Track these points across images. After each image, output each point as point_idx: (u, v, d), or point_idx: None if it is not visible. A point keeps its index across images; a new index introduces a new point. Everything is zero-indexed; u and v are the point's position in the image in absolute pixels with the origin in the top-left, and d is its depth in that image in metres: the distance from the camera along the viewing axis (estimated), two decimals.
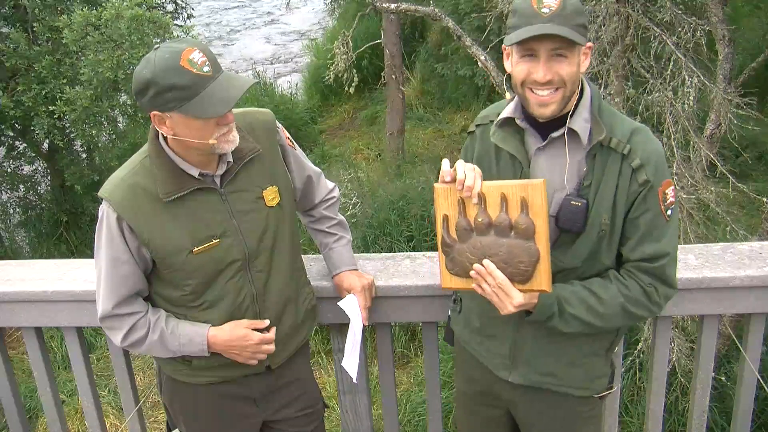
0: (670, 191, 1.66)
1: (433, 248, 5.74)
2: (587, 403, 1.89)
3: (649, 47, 4.14)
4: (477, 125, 1.81)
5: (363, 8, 7.87)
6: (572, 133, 1.63)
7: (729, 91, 4.12)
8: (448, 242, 1.65)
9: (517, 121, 1.67)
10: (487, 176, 1.74)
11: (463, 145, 1.88)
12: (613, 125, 1.64)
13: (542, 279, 1.59)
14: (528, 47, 1.55)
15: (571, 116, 1.62)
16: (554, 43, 1.52)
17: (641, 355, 3.97)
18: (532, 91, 1.58)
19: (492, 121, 1.74)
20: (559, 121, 1.63)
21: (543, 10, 1.52)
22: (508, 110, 1.68)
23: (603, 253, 1.68)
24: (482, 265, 1.60)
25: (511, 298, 1.60)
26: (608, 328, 1.77)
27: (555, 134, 1.63)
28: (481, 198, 1.58)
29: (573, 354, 1.79)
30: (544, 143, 1.66)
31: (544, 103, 1.58)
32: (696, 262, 2.11)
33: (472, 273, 1.62)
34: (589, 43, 1.58)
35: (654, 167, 1.62)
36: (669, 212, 1.66)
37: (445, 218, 1.65)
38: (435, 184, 1.65)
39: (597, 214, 1.63)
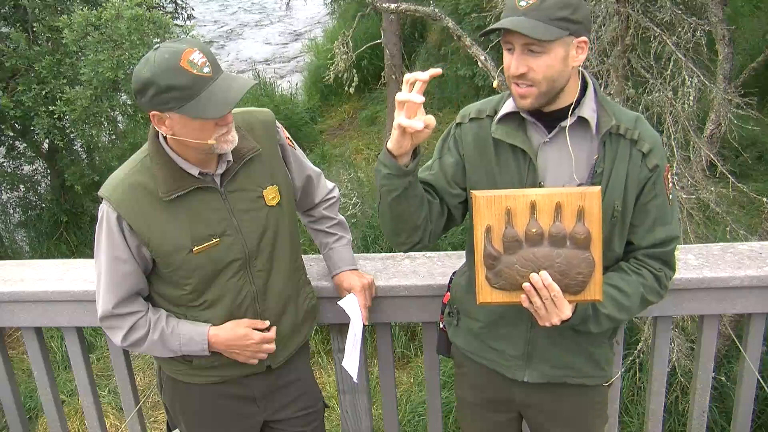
0: (670, 176, 1.71)
1: (434, 248, 5.73)
2: (598, 392, 1.91)
3: (649, 47, 4.15)
4: (471, 119, 1.76)
5: (363, 8, 7.86)
6: (581, 122, 1.63)
7: (729, 91, 4.12)
8: (494, 254, 1.57)
9: (523, 115, 1.67)
10: (486, 171, 1.73)
11: (445, 134, 1.83)
12: (618, 113, 1.66)
13: (595, 288, 1.57)
14: (506, 40, 1.57)
15: (578, 106, 1.63)
16: (524, 38, 1.53)
17: (641, 355, 3.97)
18: (514, 84, 1.60)
19: (489, 116, 1.73)
20: (563, 113, 1.63)
21: (520, 3, 1.54)
22: (510, 105, 1.67)
23: (615, 240, 1.70)
24: (539, 277, 1.55)
25: (561, 312, 1.58)
26: (626, 320, 1.81)
27: (564, 123, 1.63)
28: (533, 206, 1.55)
29: (584, 344, 1.80)
30: (552, 134, 1.65)
31: (522, 96, 1.59)
32: (696, 262, 2.11)
33: (525, 285, 1.56)
34: (583, 38, 1.56)
35: (660, 152, 1.67)
36: (671, 196, 1.71)
37: (489, 229, 1.57)
38: (475, 193, 1.58)
39: (609, 200, 1.64)
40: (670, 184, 1.70)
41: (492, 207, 1.56)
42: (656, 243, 1.70)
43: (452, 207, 1.80)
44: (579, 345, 1.81)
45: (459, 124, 1.79)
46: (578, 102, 1.63)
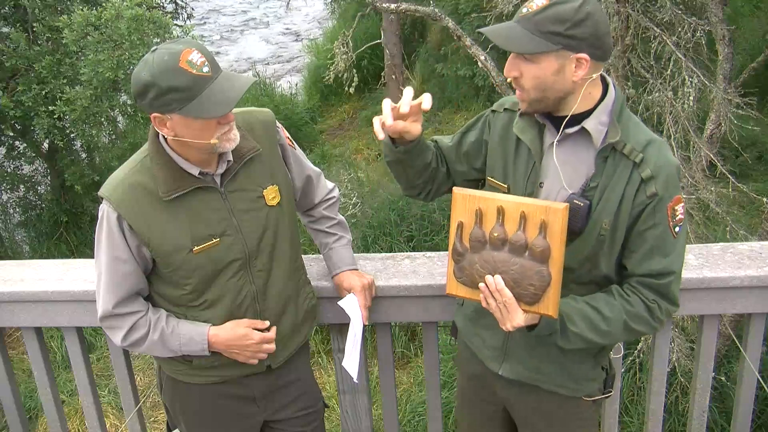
0: (679, 207, 1.64)
1: (433, 248, 5.74)
2: (577, 405, 1.88)
3: (649, 47, 4.15)
4: (506, 109, 1.79)
5: (363, 8, 7.86)
6: (584, 133, 1.62)
7: (729, 91, 4.12)
8: (460, 250, 1.62)
9: (536, 116, 1.67)
10: (503, 162, 1.75)
11: (480, 114, 1.87)
12: (630, 132, 1.62)
13: (549, 304, 1.57)
14: None
15: (588, 116, 1.61)
16: None
17: (641, 355, 3.97)
18: (515, 86, 1.62)
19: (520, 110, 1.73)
20: (572, 119, 1.61)
21: (523, 9, 1.54)
22: None
23: (602, 259, 1.67)
24: (493, 280, 1.58)
25: (512, 318, 1.59)
26: (608, 344, 1.77)
27: (569, 130, 1.62)
28: (500, 212, 1.56)
29: (558, 353, 1.78)
30: (557, 139, 1.65)
31: (519, 99, 1.63)
32: (696, 262, 2.11)
33: (480, 285, 1.60)
34: (582, 54, 1.53)
35: (665, 181, 1.60)
36: (677, 229, 1.64)
37: (460, 225, 1.62)
38: (455, 189, 1.63)
39: (598, 217, 1.62)
40: (678, 216, 1.63)
41: (466, 205, 1.61)
42: (651, 273, 1.65)
43: (457, 180, 1.87)
44: (553, 353, 1.78)
45: (494, 111, 1.82)
46: (590, 112, 1.61)
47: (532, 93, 1.58)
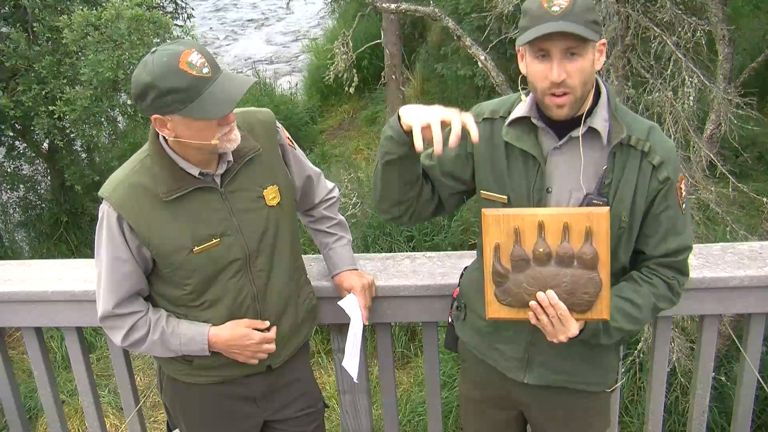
0: (683, 185, 1.70)
1: (433, 248, 5.74)
2: (599, 398, 1.91)
3: (649, 47, 4.14)
4: (484, 118, 1.74)
5: (363, 8, 7.87)
6: (591, 132, 1.62)
7: (729, 91, 4.11)
8: (501, 272, 1.59)
9: (533, 120, 1.65)
10: (495, 174, 1.72)
11: None
12: (631, 123, 1.64)
13: (603, 308, 1.57)
14: (540, 47, 1.52)
15: (590, 115, 1.61)
16: (566, 42, 1.49)
17: (641, 355, 3.97)
18: (550, 94, 1.56)
19: (502, 117, 1.70)
20: (574, 120, 1.61)
21: (553, 9, 1.50)
22: (522, 109, 1.66)
23: (621, 251, 1.69)
24: (545, 296, 1.57)
25: (567, 330, 1.59)
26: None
27: (575, 133, 1.61)
28: (541, 226, 1.55)
29: (587, 350, 1.79)
30: (561, 142, 1.63)
31: (560, 105, 1.57)
32: (696, 262, 2.11)
33: (532, 303, 1.58)
34: (603, 40, 1.57)
35: (673, 164, 1.65)
36: (684, 205, 1.70)
37: (497, 247, 1.58)
38: (484, 210, 1.60)
39: (616, 212, 1.63)
40: (683, 194, 1.69)
41: (500, 225, 1.57)
42: (668, 253, 1.69)
43: (444, 197, 1.82)
44: (582, 351, 1.79)
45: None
46: (591, 111, 1.61)
47: (578, 91, 1.55)
